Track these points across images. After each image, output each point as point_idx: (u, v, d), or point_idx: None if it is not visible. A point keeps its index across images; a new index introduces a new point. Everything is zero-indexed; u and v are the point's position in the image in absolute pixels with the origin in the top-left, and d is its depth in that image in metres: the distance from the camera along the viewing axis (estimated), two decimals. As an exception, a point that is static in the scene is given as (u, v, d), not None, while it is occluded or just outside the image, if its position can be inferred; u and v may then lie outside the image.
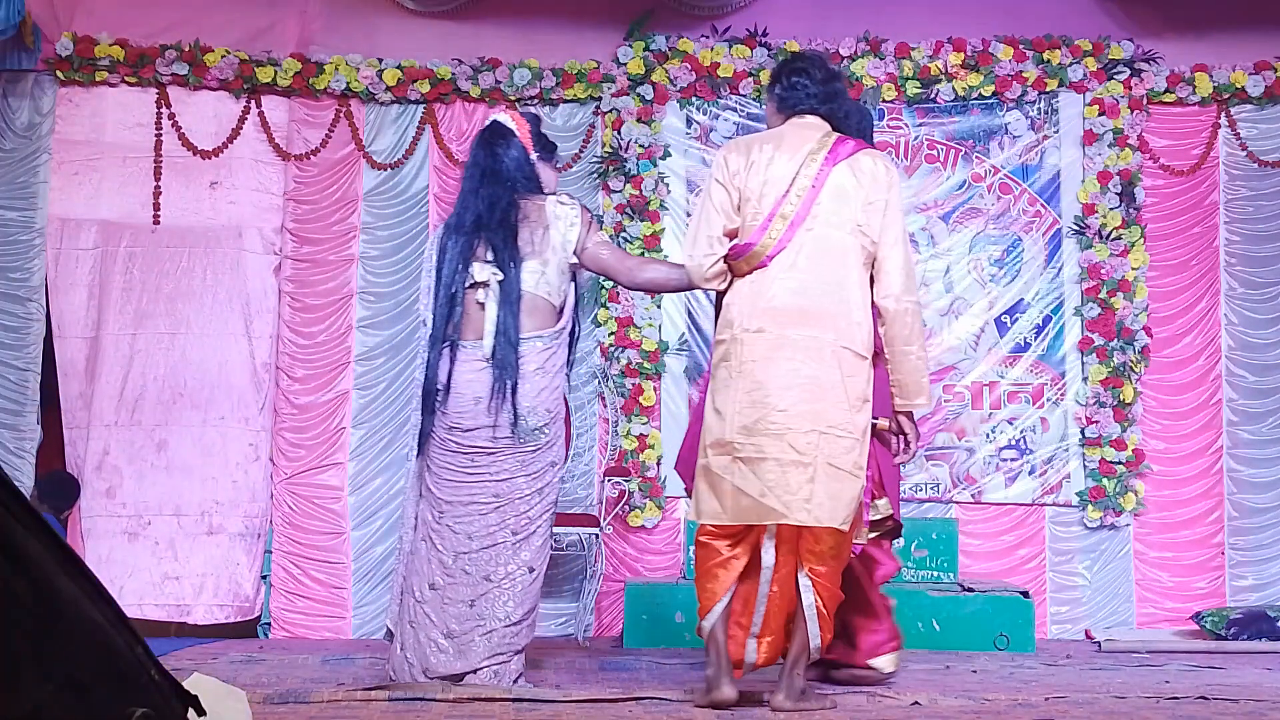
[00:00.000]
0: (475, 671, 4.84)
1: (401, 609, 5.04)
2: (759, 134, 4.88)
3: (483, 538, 4.90)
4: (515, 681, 4.91)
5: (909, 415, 4.70)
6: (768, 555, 4.60)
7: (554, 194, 5.14)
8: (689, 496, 5.02)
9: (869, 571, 5.33)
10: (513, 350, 4.88)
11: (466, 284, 4.97)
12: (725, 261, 4.65)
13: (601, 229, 5.37)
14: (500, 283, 4.92)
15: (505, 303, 4.91)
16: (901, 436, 4.73)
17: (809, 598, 4.54)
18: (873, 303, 4.62)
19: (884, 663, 5.30)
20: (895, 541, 5.53)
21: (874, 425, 4.73)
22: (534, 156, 5.20)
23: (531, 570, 4.96)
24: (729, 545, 4.61)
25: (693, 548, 4.90)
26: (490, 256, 4.95)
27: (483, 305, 4.94)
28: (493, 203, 5.01)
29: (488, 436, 4.91)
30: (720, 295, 4.74)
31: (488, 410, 4.89)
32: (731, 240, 4.64)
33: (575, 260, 5.07)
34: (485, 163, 5.11)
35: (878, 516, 5.26)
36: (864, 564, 5.29)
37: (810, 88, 4.74)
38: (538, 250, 4.98)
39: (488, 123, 5.27)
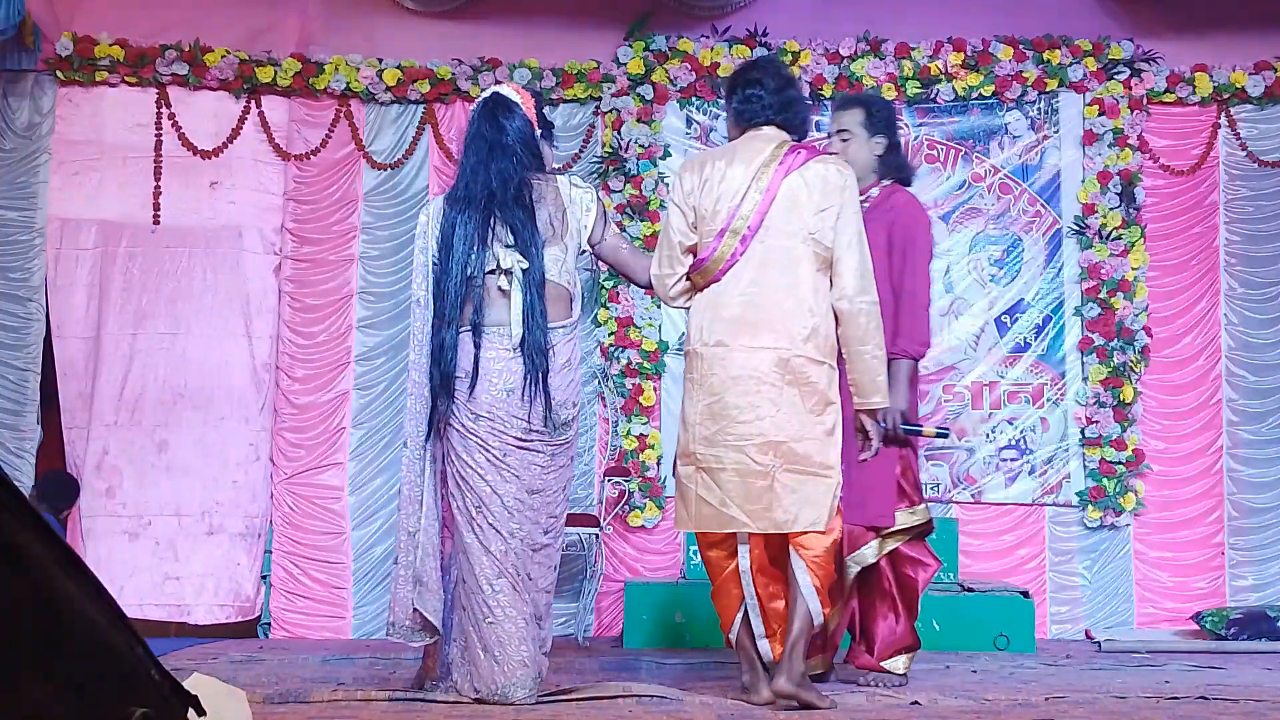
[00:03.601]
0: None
1: (466, 614, 4.69)
2: (713, 150, 5.04)
3: (521, 536, 4.67)
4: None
5: (870, 413, 4.73)
6: (743, 560, 4.73)
7: (563, 174, 5.00)
8: None
9: (914, 575, 5.36)
10: (543, 338, 4.66)
11: (488, 268, 4.71)
12: (688, 278, 4.75)
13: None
14: (524, 270, 4.68)
15: (530, 289, 4.67)
16: (863, 435, 4.76)
17: (804, 578, 4.59)
18: None
19: (897, 664, 5.31)
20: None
21: (921, 432, 5.03)
22: (538, 133, 4.95)
23: (554, 569, 4.86)
24: (727, 556, 4.75)
25: (700, 561, 4.94)
26: (511, 239, 4.71)
27: (504, 291, 4.69)
28: (505, 178, 4.73)
29: (522, 429, 4.66)
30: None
31: (521, 400, 4.65)
32: (691, 257, 4.74)
33: (589, 249, 4.90)
34: (491, 135, 4.81)
35: (917, 521, 5.30)
36: (911, 567, 5.35)
37: (765, 99, 4.79)
38: (558, 235, 4.77)
39: (488, 94, 4.96)
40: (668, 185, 7.68)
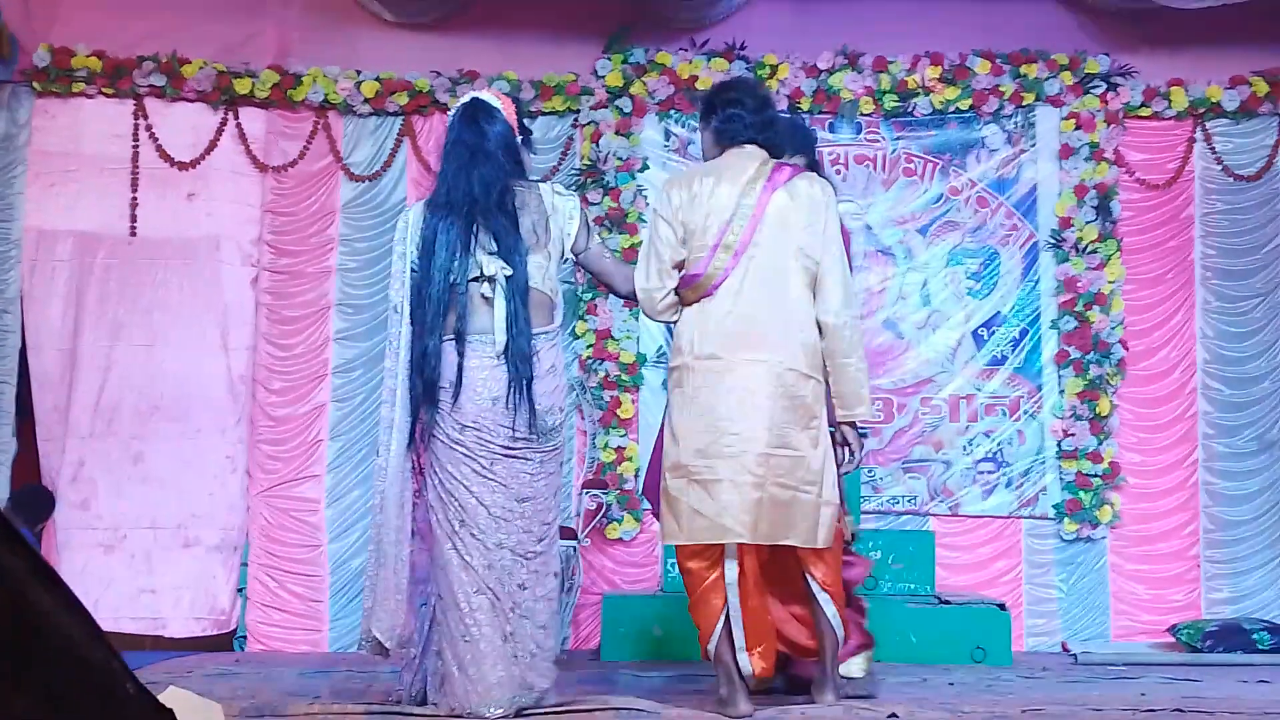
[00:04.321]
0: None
1: (442, 629, 4.66)
2: (699, 166, 5.03)
3: (510, 546, 4.62)
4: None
5: (851, 425, 4.85)
6: (730, 572, 4.76)
7: (545, 181, 4.97)
8: (657, 519, 5.12)
9: (846, 576, 5.36)
10: (527, 345, 4.62)
11: (471, 275, 4.67)
12: (675, 292, 4.80)
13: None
14: (508, 277, 4.64)
15: (513, 297, 4.64)
16: (845, 447, 4.86)
17: (830, 609, 4.78)
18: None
19: (853, 667, 5.29)
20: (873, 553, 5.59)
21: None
22: (518, 139, 4.92)
23: (556, 575, 4.82)
24: (708, 567, 4.76)
25: (679, 574, 4.92)
26: (494, 246, 4.67)
27: (487, 299, 4.65)
28: (487, 184, 4.70)
29: (508, 437, 4.62)
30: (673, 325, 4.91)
31: (506, 408, 4.61)
32: (680, 272, 4.79)
33: (573, 257, 4.89)
34: (472, 140, 4.77)
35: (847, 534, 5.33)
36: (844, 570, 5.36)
37: (747, 118, 4.88)
38: (541, 243, 4.73)
39: (467, 99, 4.92)
40: (646, 198, 7.69)
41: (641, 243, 7.57)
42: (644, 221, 7.70)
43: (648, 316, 5.02)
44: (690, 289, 4.75)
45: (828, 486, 4.71)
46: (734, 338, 4.68)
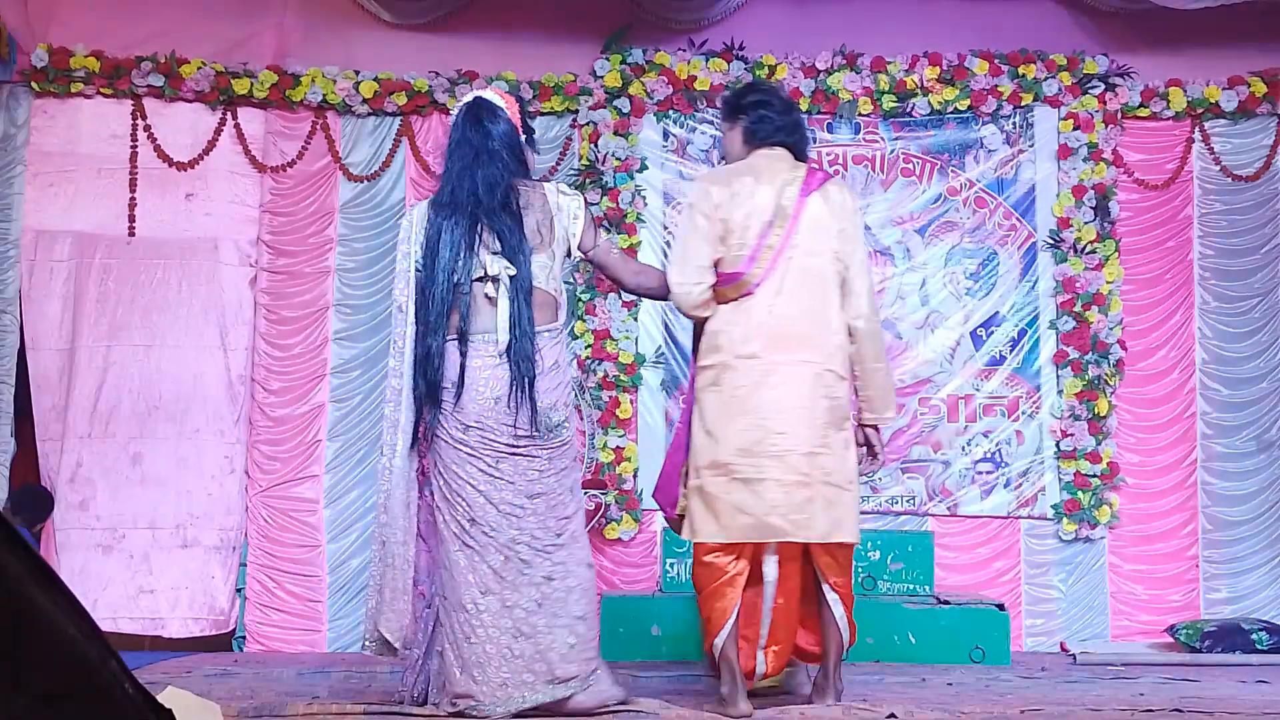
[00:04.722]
0: (583, 690, 4.64)
1: (444, 630, 4.67)
2: (734, 166, 5.04)
3: (525, 540, 4.60)
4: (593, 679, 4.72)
5: (875, 427, 4.95)
6: (770, 570, 4.83)
7: (549, 181, 4.97)
8: (669, 523, 5.14)
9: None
10: (530, 345, 4.62)
11: (475, 275, 4.67)
12: (712, 289, 4.82)
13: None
14: (512, 277, 4.65)
15: (517, 296, 4.64)
16: (868, 448, 4.95)
17: (839, 610, 4.84)
18: None
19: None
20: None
21: None
22: (522, 138, 4.94)
23: (590, 566, 4.79)
24: (732, 561, 4.79)
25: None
26: (498, 246, 4.67)
27: (491, 299, 4.66)
28: (491, 185, 4.70)
29: (510, 435, 4.61)
30: (701, 321, 4.90)
31: (508, 407, 4.61)
32: (715, 268, 4.81)
33: (580, 255, 4.89)
34: (476, 140, 4.78)
35: None
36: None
37: (776, 120, 4.96)
38: (545, 243, 4.74)
39: (470, 99, 4.93)
40: (645, 198, 7.69)
41: (640, 243, 7.63)
42: (643, 222, 7.70)
43: (680, 312, 5.05)
44: (730, 287, 4.78)
45: (856, 485, 4.84)
46: (776, 338, 4.73)
